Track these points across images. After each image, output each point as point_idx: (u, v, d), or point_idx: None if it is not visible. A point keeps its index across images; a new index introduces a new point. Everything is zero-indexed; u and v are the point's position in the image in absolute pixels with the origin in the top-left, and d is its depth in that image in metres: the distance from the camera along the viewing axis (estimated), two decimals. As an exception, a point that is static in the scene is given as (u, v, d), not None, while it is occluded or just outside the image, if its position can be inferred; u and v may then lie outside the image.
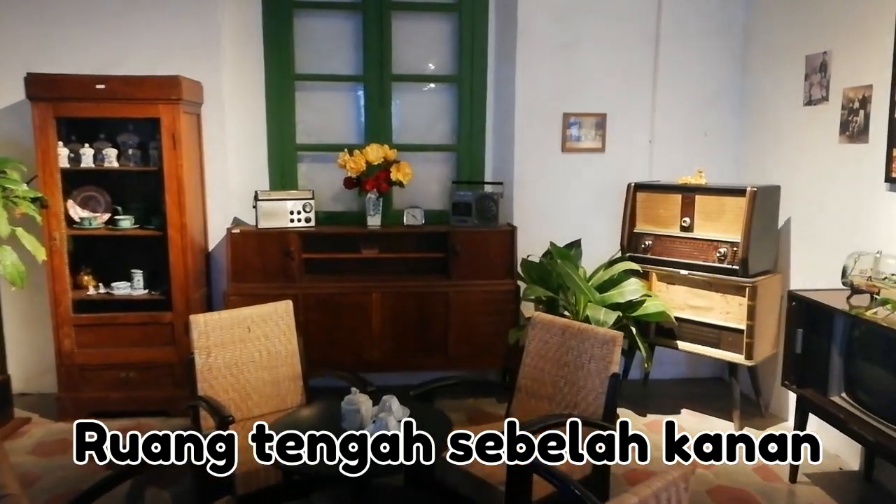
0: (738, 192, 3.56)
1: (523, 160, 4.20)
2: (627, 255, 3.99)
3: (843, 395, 2.80)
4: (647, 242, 3.93)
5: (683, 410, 3.93)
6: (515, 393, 2.90)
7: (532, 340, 2.90)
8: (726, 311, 3.62)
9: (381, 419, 2.33)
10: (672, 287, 3.85)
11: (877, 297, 2.76)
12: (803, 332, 2.95)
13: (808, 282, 3.60)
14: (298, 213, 3.97)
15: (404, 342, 3.93)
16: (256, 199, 3.95)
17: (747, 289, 3.51)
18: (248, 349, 2.91)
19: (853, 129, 3.25)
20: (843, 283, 2.90)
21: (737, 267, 3.54)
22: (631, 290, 3.71)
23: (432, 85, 4.39)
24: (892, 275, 2.71)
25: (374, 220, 4.06)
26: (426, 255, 4.11)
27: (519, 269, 3.99)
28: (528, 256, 3.98)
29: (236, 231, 3.87)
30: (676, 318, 3.77)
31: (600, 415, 2.56)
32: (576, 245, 4.10)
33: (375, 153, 3.94)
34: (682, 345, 3.80)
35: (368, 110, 4.26)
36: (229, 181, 4.08)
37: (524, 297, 3.93)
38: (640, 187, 4.01)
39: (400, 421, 2.38)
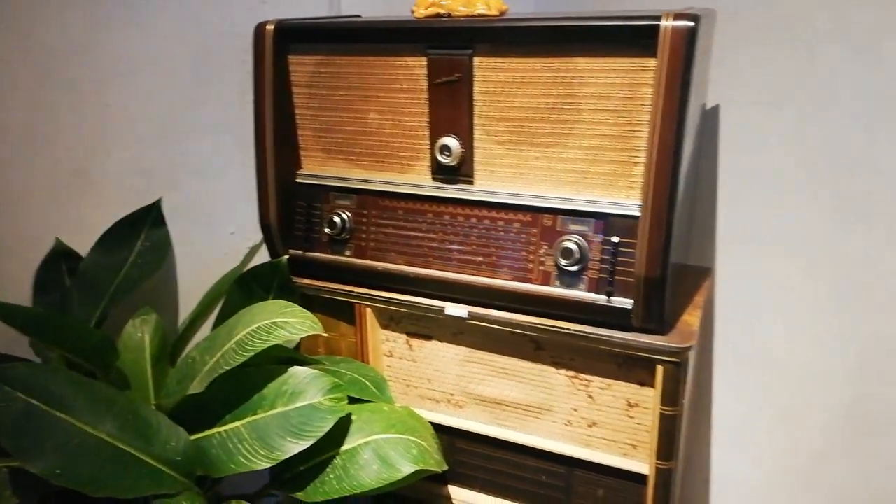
0: (623, 34, 0.96)
1: None
2: (288, 255, 1.28)
3: None
4: (338, 217, 1.24)
5: None
6: None
7: None
8: (588, 418, 1.16)
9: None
10: (427, 347, 1.27)
11: None
12: None
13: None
14: None
15: None
16: None
17: (662, 368, 1.05)
18: None
19: None
20: None
21: (627, 301, 1.04)
22: (311, 421, 1.04)
23: None
24: None
25: None
26: None
27: None
28: None
29: None
30: (451, 435, 1.25)
31: None
32: (126, 231, 1.30)
33: None
34: None
35: None
36: None
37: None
38: (294, 35, 1.22)
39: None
